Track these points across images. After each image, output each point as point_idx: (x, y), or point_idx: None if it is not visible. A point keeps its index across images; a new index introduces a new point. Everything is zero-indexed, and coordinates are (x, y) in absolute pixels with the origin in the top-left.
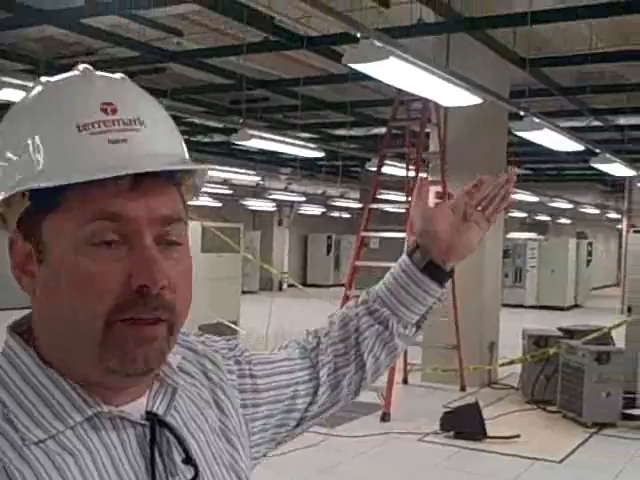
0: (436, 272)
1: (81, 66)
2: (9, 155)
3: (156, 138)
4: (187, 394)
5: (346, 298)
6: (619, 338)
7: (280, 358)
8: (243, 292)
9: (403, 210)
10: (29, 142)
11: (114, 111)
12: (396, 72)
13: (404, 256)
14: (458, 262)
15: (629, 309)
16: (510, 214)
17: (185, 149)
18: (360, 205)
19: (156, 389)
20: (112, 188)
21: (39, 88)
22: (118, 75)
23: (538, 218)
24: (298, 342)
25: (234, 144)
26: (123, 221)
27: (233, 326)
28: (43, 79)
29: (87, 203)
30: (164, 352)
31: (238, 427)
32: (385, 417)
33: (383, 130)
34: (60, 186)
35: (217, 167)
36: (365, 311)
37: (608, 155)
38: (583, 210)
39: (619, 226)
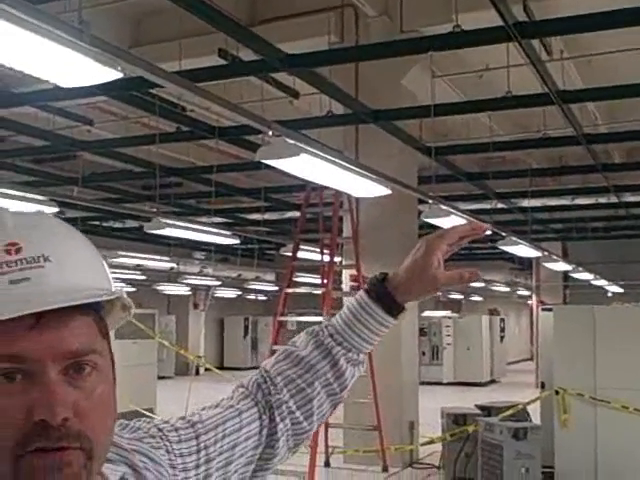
0: (393, 306)
1: None
2: None
3: (62, 272)
4: None
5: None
6: (536, 413)
7: (227, 418)
8: (159, 378)
9: (319, 292)
10: None
11: (18, 250)
12: (308, 167)
13: (362, 292)
14: (413, 300)
15: (542, 385)
16: None
17: (104, 276)
18: (276, 288)
19: None
20: (14, 327)
21: None
22: (38, 210)
23: (451, 296)
24: (245, 389)
25: None
26: (24, 361)
27: (149, 414)
28: None
29: None
30: (80, 478)
31: None
32: None
33: (297, 214)
34: None
35: (124, 294)
36: (314, 346)
37: (514, 238)
38: (494, 288)
39: (529, 302)
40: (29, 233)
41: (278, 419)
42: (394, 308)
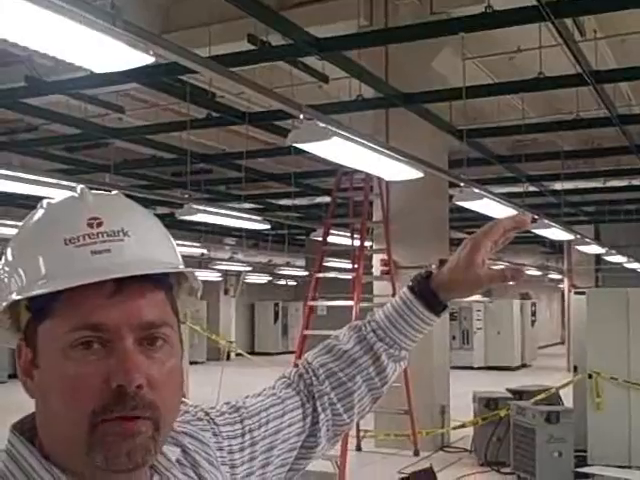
0: (435, 304)
1: (79, 187)
2: (20, 271)
3: (140, 246)
4: None
5: (296, 367)
6: (567, 397)
7: (270, 404)
8: (191, 363)
9: (349, 277)
10: (31, 260)
11: (99, 225)
12: (339, 150)
13: (405, 289)
14: (464, 297)
15: (575, 368)
16: None
17: (175, 254)
18: (306, 273)
19: None
20: (94, 296)
21: (40, 211)
22: (114, 192)
23: None
24: (287, 379)
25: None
26: (103, 329)
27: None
28: (44, 202)
29: (71, 313)
30: (149, 448)
31: None
32: None
33: (327, 199)
34: (50, 296)
35: (197, 271)
36: (356, 340)
37: (546, 221)
38: (525, 271)
39: (561, 286)
40: (109, 210)
41: (320, 409)
42: (437, 306)
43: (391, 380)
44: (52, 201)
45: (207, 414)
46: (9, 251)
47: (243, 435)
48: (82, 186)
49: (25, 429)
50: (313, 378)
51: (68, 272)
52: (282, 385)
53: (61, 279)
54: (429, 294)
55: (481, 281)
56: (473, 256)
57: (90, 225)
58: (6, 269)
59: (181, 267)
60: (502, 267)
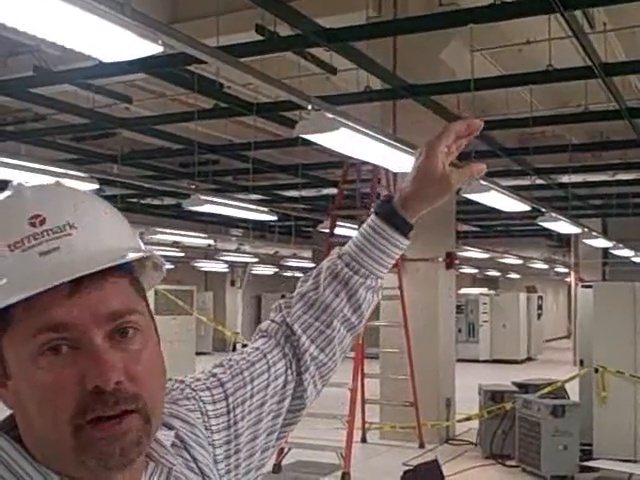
0: (402, 225)
1: (14, 183)
2: None
3: (91, 237)
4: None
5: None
6: (573, 390)
7: (251, 362)
8: (197, 353)
9: None
10: None
11: (42, 222)
12: (347, 141)
13: (372, 216)
14: (428, 208)
15: (581, 362)
16: (461, 270)
17: (130, 236)
18: (313, 265)
19: (151, 471)
20: (52, 297)
21: None
22: (52, 181)
23: (488, 273)
24: (266, 333)
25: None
26: (67, 329)
27: None
28: None
29: (31, 317)
30: (142, 442)
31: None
32: (345, 477)
33: (334, 190)
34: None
35: (154, 252)
36: (330, 279)
37: (554, 214)
38: (532, 265)
39: (567, 279)
40: (50, 204)
41: (302, 369)
42: (404, 227)
43: (367, 315)
44: None
45: (193, 390)
46: None
47: (228, 413)
48: (18, 182)
49: (8, 429)
50: (291, 336)
51: (21, 279)
52: (262, 339)
53: (15, 289)
54: (395, 216)
55: (450, 179)
56: (432, 159)
57: (32, 224)
58: None
59: (133, 254)
60: (466, 163)
